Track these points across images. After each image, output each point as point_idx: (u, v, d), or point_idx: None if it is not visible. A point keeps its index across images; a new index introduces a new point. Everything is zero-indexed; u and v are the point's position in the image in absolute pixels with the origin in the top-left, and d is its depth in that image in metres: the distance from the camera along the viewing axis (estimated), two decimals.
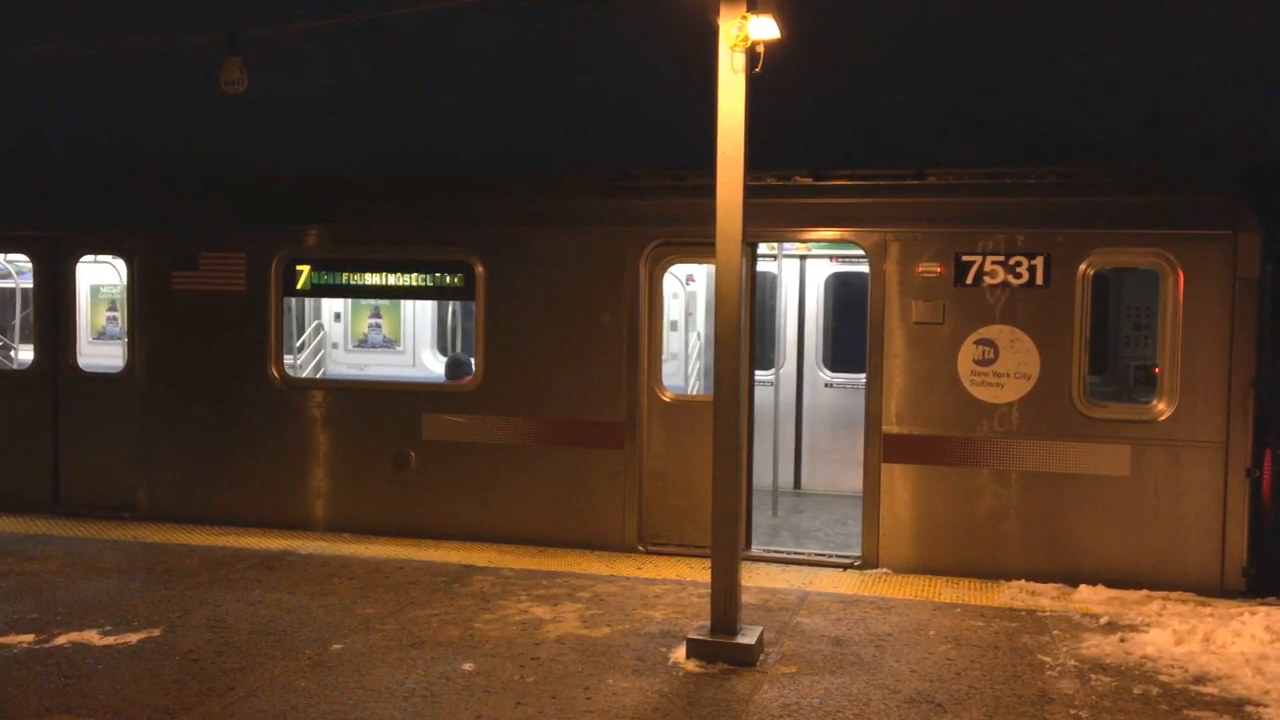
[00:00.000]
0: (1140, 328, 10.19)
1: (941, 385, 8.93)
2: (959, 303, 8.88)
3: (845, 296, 12.29)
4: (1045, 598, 8.34)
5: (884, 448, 9.06)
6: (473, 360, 10.33)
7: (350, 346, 13.99)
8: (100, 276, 13.96)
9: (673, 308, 12.37)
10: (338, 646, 6.97)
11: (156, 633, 7.19)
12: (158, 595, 8.09)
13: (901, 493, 9.06)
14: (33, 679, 6.32)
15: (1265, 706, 6.15)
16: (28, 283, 12.06)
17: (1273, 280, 8.52)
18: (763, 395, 11.33)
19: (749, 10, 6.46)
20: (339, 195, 10.64)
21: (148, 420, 10.62)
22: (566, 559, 9.31)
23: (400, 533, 9.99)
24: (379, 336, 13.91)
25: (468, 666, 6.63)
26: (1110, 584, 8.53)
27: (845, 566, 9.20)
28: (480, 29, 14.32)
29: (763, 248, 10.54)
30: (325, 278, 10.44)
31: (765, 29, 6.50)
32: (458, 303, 13.22)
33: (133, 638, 7.08)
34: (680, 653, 6.87)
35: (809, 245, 11.15)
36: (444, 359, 13.60)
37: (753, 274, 9.93)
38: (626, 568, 9.10)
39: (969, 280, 8.85)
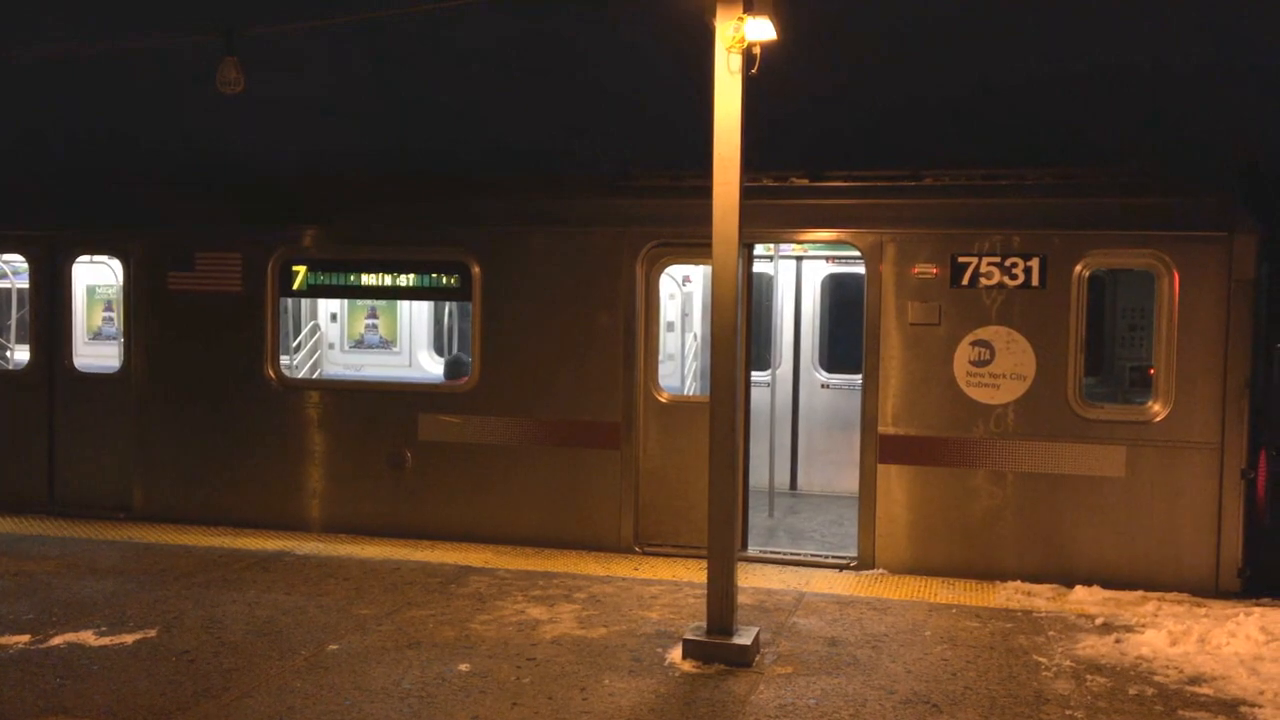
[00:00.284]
0: (1136, 329, 10.19)
1: (937, 386, 8.93)
2: (955, 304, 8.88)
3: (842, 297, 12.28)
4: (1041, 598, 8.34)
5: (880, 449, 9.06)
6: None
7: (346, 347, 14.00)
8: (96, 277, 13.94)
9: (669, 308, 12.36)
10: (334, 647, 6.97)
11: (152, 633, 7.19)
12: (153, 596, 8.08)
13: (897, 494, 9.06)
14: (28, 680, 6.32)
15: (1260, 707, 6.16)
16: (23, 283, 12.06)
17: (1268, 282, 8.53)
18: (759, 396, 11.31)
19: (745, 11, 6.44)
20: (334, 195, 10.63)
21: (144, 420, 10.61)
22: (563, 560, 9.32)
23: (396, 533, 9.99)
24: (375, 337, 13.92)
25: (464, 667, 6.63)
26: (1106, 585, 8.53)
27: (841, 567, 9.21)
28: (480, 28, 14.33)
29: (759, 248, 10.54)
30: (321, 278, 10.44)
31: (761, 30, 6.48)
32: (454, 303, 13.21)
33: (128, 638, 7.07)
34: (676, 653, 6.87)
35: (805, 246, 11.15)
36: (441, 360, 13.60)
37: (749, 275, 9.93)
38: (623, 568, 9.10)
39: (965, 281, 8.86)
